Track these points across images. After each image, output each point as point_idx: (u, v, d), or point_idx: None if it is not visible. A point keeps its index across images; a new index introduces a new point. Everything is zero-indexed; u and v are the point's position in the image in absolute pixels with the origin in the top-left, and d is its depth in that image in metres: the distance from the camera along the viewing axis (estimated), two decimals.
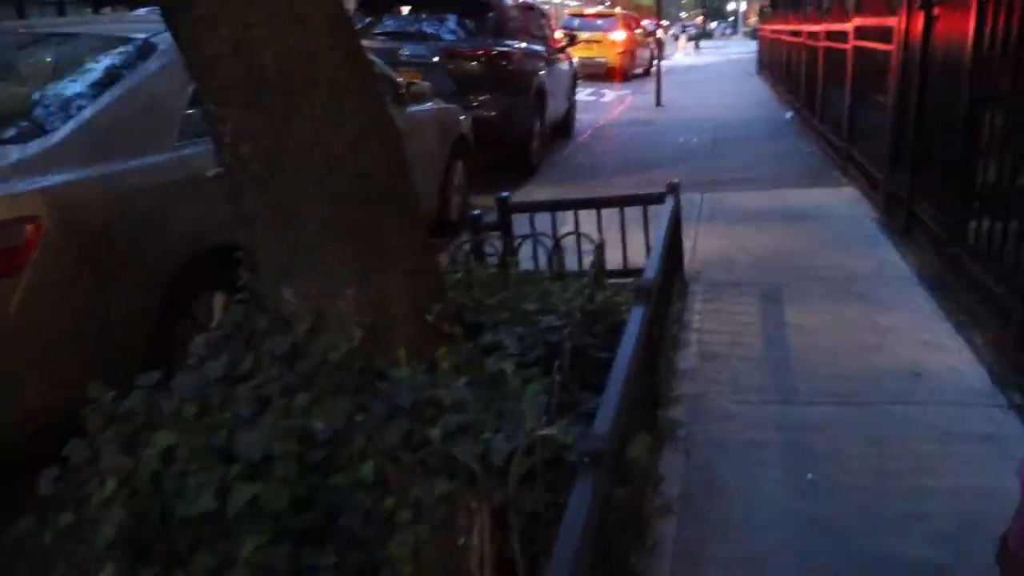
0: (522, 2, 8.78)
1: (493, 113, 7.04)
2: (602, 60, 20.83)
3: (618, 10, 30.76)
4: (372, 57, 3.35)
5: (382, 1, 7.98)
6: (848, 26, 6.69)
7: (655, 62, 28.59)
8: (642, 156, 8.45)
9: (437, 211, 5.35)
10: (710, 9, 68.72)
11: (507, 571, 1.63)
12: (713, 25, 77.94)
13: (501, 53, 7.31)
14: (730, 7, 74.49)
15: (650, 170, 7.36)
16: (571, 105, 10.72)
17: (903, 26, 4.81)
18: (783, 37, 12.90)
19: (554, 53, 9.63)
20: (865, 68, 6.16)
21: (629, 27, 21.99)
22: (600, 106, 14.66)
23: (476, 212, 3.71)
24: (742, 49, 39.29)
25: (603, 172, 7.56)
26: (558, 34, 11.98)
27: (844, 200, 5.93)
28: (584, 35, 20.86)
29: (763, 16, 19.15)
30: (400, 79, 5.06)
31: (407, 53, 7.10)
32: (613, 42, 20.87)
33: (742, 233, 5.10)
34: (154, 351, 2.73)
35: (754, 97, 14.36)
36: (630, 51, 21.48)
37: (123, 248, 2.71)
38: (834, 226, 5.20)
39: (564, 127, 10.41)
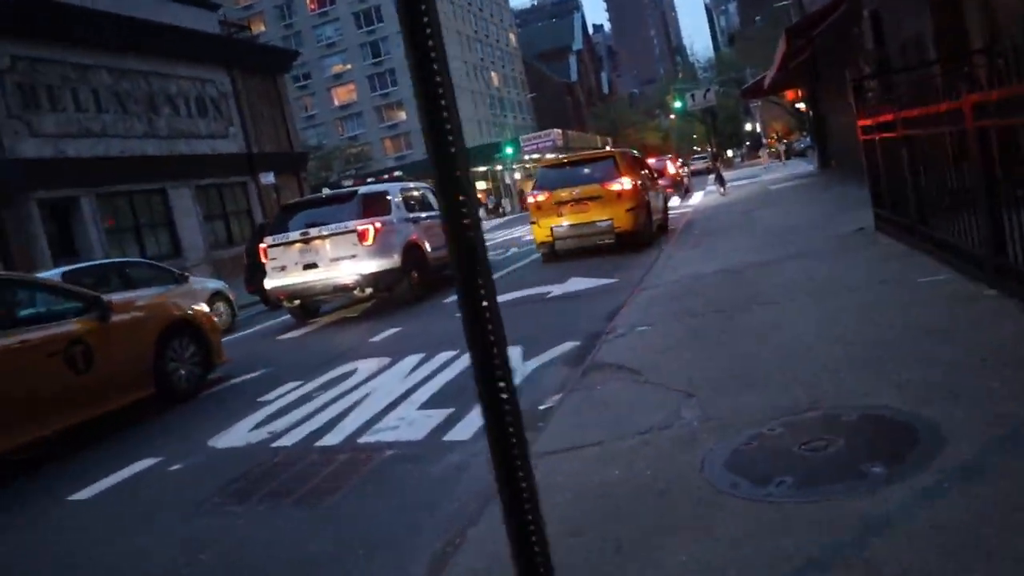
0: None
1: None
2: (604, 223, 13.30)
3: (610, 148, 22.88)
4: None
5: None
6: None
7: (679, 206, 20.79)
8: None
9: None
10: (724, 136, 62.44)
11: None
12: (729, 153, 71.95)
13: None
14: (747, 127, 68.79)
15: None
16: None
17: None
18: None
19: None
20: None
21: (633, 170, 14.15)
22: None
23: None
24: (780, 175, 30.40)
25: None
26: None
27: None
28: (571, 192, 13.59)
29: (867, 99, 9.20)
30: None
31: None
32: (617, 194, 13.26)
33: None
34: None
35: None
36: (643, 204, 13.71)
37: None
38: None
39: None
